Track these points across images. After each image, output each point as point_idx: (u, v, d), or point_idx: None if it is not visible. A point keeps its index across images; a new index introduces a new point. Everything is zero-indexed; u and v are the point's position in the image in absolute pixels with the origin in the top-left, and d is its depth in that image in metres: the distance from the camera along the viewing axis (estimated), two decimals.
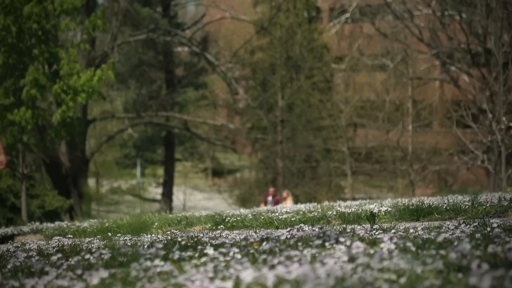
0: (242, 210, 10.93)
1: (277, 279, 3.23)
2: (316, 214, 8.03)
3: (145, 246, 5.15)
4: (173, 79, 44.88)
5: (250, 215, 8.78)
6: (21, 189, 20.02)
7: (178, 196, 46.04)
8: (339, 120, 40.31)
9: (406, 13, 32.67)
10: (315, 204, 10.83)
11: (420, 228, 5.28)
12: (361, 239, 4.62)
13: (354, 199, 30.58)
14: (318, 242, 4.50)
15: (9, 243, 6.74)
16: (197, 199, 48.15)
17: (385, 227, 5.74)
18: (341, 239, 4.52)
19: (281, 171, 39.84)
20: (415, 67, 37.55)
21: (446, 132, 37.05)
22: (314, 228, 5.45)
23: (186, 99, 45.63)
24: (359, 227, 5.83)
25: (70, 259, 4.74)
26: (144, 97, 43.92)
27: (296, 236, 4.99)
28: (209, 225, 8.45)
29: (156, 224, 8.88)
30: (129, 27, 40.12)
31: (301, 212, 8.47)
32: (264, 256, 4.06)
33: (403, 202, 8.35)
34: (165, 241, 5.48)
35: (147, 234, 7.31)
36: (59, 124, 18.68)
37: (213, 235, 5.80)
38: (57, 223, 11.61)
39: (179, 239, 5.51)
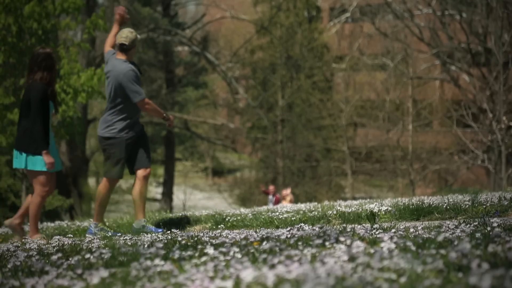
0: (242, 210, 10.93)
1: (277, 279, 3.24)
2: (316, 213, 8.03)
3: (145, 246, 5.15)
4: (173, 79, 44.90)
5: (250, 214, 8.79)
6: (21, 188, 20.02)
7: (178, 195, 46.07)
8: (339, 119, 40.33)
9: (406, 12, 32.66)
10: (315, 203, 10.84)
11: (420, 227, 5.28)
12: (361, 239, 4.62)
13: (354, 198, 30.59)
14: (318, 241, 4.50)
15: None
16: (197, 198, 48.17)
17: (385, 226, 5.74)
18: (341, 239, 4.52)
19: (281, 170, 39.86)
20: (415, 67, 37.55)
21: (446, 132, 37.05)
22: (314, 228, 5.45)
23: (186, 99, 45.64)
24: (359, 226, 5.83)
25: (70, 259, 4.75)
26: None
27: (296, 236, 4.99)
28: (209, 225, 8.45)
29: None
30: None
31: (301, 212, 8.47)
32: (264, 256, 4.06)
33: (403, 201, 8.36)
34: (165, 241, 5.48)
35: (147, 234, 7.32)
36: (59, 123, 18.69)
37: (213, 235, 5.80)
38: (57, 222, 11.61)
39: (179, 239, 5.51)
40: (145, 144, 8.47)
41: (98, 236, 7.84)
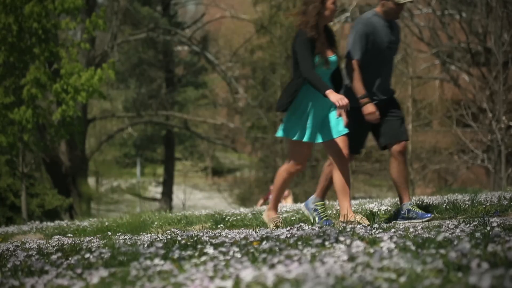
0: (242, 209, 10.93)
1: (277, 278, 3.23)
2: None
3: (145, 245, 5.15)
4: (173, 78, 44.88)
5: (250, 214, 8.79)
6: (20, 188, 20.02)
7: (178, 195, 46.05)
8: None
9: (406, 12, 32.65)
10: None
11: (420, 227, 5.28)
12: (361, 238, 4.61)
13: (354, 198, 30.55)
14: (318, 241, 4.50)
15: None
16: (197, 198, 48.15)
17: (385, 226, 5.74)
18: (341, 238, 4.52)
19: None
20: (415, 66, 37.51)
21: (446, 131, 37.02)
22: (314, 227, 5.44)
23: (186, 98, 45.65)
24: (359, 226, 5.83)
25: (70, 258, 4.75)
26: (144, 96, 43.93)
27: (296, 235, 4.99)
28: (209, 224, 8.44)
29: (155, 223, 8.88)
30: (129, 26, 40.13)
31: (301, 211, 8.47)
32: (264, 255, 4.06)
33: None
34: (165, 240, 5.48)
35: (146, 233, 7.31)
36: (59, 123, 18.69)
37: (213, 234, 5.80)
38: (57, 222, 11.61)
39: (179, 238, 5.51)
40: (397, 112, 7.12)
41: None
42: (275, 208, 7.12)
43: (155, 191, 48.83)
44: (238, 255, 4.22)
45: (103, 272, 3.84)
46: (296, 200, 25.47)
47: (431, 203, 7.61)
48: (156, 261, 4.09)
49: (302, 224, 6.10)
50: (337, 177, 6.72)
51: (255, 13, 43.78)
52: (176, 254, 4.40)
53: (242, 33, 44.87)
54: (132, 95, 44.91)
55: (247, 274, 3.30)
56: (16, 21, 17.73)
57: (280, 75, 41.60)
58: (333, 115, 6.66)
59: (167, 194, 43.53)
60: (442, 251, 3.70)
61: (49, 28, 18.02)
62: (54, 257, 4.79)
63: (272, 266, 3.65)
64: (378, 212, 7.43)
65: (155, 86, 44.26)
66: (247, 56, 44.62)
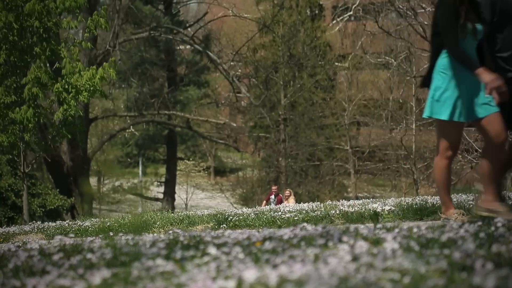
0: (245, 209, 10.92)
1: (280, 279, 3.21)
2: (319, 213, 8.02)
3: (147, 246, 5.12)
4: (175, 78, 44.91)
5: (252, 214, 8.78)
6: (22, 188, 20.02)
7: (180, 195, 46.08)
8: (342, 118, 40.31)
9: (410, 11, 32.63)
10: (318, 203, 10.82)
11: (424, 227, 5.25)
12: (365, 239, 4.59)
13: (357, 198, 30.56)
14: (321, 241, 4.47)
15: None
16: (199, 198, 48.22)
17: (388, 226, 5.71)
18: (344, 239, 4.49)
19: (284, 169, 39.85)
20: (418, 65, 37.51)
21: None
22: (317, 228, 5.42)
23: (188, 98, 45.69)
24: (362, 226, 5.80)
25: (71, 259, 4.72)
26: (146, 95, 43.97)
27: (299, 236, 4.96)
28: (211, 224, 8.43)
29: (158, 223, 8.87)
30: (131, 25, 40.17)
31: (304, 211, 8.45)
32: (267, 256, 4.03)
33: (407, 201, 8.33)
34: (167, 241, 5.46)
35: (149, 233, 7.30)
36: (61, 122, 18.67)
37: (215, 235, 5.78)
38: (58, 222, 11.59)
39: (181, 239, 5.49)
40: None
41: None
42: (449, 203, 6.37)
43: (157, 191, 48.85)
44: (241, 256, 4.19)
45: (105, 273, 3.82)
46: (299, 200, 25.46)
47: (434, 203, 7.59)
48: (158, 261, 4.07)
49: (305, 224, 6.08)
50: (485, 161, 6.10)
51: (258, 12, 43.82)
52: (178, 255, 4.37)
53: (244, 32, 44.89)
54: (134, 94, 44.96)
55: (250, 274, 3.28)
56: (17, 20, 17.71)
57: (282, 74, 41.63)
58: (483, 91, 5.88)
59: (169, 194, 43.55)
60: (446, 251, 3.67)
61: (50, 27, 18.00)
62: (55, 257, 4.76)
63: (275, 266, 3.62)
64: (382, 212, 7.41)
65: (157, 85, 44.30)
66: (250, 55, 44.66)
